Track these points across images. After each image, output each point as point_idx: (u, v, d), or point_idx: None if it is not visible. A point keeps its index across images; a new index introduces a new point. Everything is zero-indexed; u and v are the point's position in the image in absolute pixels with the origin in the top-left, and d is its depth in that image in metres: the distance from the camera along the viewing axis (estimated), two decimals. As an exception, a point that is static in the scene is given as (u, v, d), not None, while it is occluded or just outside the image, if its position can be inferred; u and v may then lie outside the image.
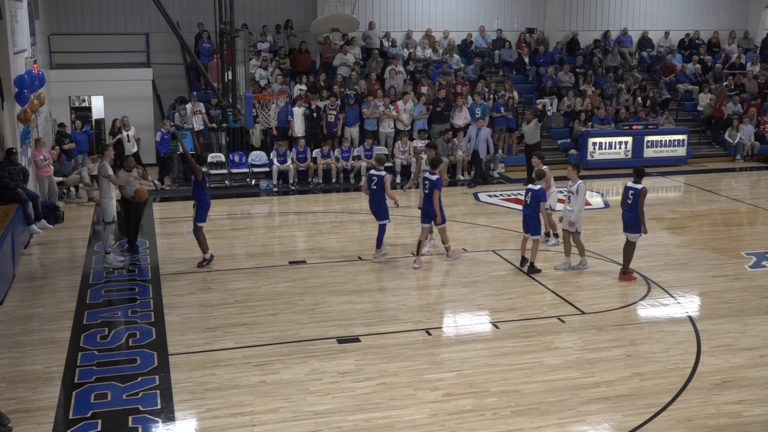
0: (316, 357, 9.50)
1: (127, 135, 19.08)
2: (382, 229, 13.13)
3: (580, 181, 12.62)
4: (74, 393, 8.59)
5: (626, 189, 12.21)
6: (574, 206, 12.54)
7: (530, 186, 12.57)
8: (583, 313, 11.03)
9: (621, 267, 12.49)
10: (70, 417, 8.10)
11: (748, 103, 23.93)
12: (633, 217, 12.07)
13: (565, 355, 9.64)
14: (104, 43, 21.95)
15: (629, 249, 12.27)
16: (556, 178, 13.91)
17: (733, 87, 24.82)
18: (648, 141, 21.95)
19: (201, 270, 12.86)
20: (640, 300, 11.59)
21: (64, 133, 18.69)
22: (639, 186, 12.01)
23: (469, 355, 9.60)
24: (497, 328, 10.53)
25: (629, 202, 12.09)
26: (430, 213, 12.89)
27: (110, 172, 12.89)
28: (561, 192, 14.15)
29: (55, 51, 21.35)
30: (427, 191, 12.91)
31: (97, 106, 22.30)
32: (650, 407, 8.30)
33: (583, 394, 8.60)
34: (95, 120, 22.44)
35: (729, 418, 8.13)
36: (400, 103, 20.62)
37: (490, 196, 18.46)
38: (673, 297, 11.71)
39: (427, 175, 13.05)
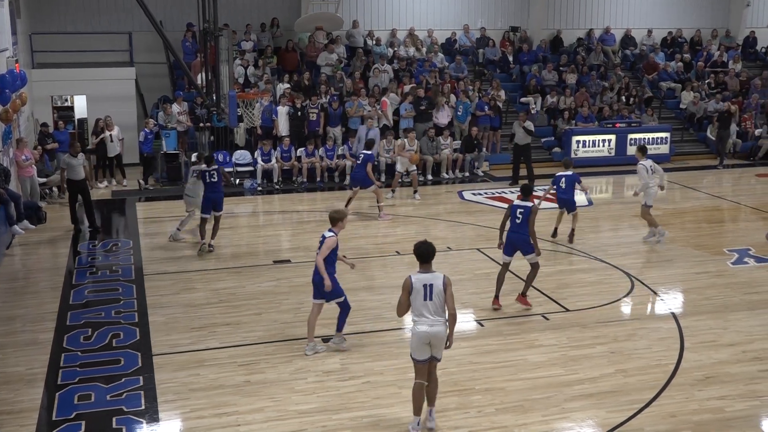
0: (300, 356, 9.49)
1: (110, 135, 18.99)
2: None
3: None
4: (57, 394, 8.55)
5: (513, 207, 10.95)
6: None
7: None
8: (567, 310, 11.09)
9: (523, 289, 11.28)
10: (54, 418, 8.06)
11: (730, 100, 24.09)
12: (522, 238, 10.83)
13: (549, 352, 9.69)
14: (87, 42, 21.81)
15: (533, 272, 11.10)
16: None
17: (714, 85, 25.00)
18: (631, 139, 22.04)
19: (185, 270, 12.83)
20: (624, 297, 11.65)
21: (47, 133, 18.57)
22: (529, 204, 10.82)
23: (454, 353, 9.54)
24: (481, 326, 10.56)
25: (517, 222, 10.82)
26: (361, 179, 15.92)
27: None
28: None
29: (37, 50, 21.18)
30: (359, 162, 16.03)
31: (80, 106, 22.16)
32: (634, 404, 8.35)
33: (567, 391, 8.65)
34: (78, 119, 22.30)
35: (712, 413, 8.20)
36: (386, 99, 20.59)
37: (474, 194, 18.49)
38: (656, 294, 11.79)
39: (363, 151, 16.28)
